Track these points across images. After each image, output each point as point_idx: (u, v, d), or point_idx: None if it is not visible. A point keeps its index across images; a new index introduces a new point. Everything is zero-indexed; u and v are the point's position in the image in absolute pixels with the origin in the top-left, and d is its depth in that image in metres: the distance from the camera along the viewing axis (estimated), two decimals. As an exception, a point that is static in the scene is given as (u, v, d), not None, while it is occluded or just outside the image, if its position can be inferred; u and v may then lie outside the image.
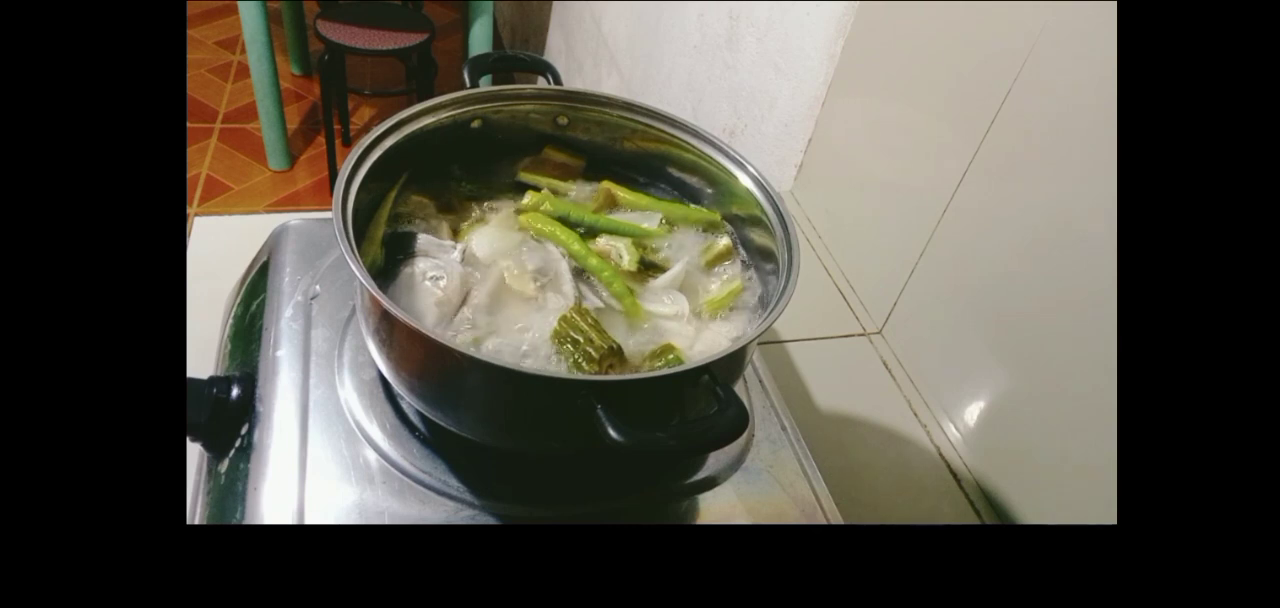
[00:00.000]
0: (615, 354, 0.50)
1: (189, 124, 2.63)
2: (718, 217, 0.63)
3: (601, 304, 0.56)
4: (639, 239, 0.60)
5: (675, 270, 0.58)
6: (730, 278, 0.60)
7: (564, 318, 0.52)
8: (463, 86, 0.61)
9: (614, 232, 0.61)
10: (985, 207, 0.70)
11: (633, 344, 0.53)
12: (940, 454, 0.72)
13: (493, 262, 0.56)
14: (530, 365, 0.50)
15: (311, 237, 0.66)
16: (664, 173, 0.66)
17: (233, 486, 0.50)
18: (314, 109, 2.81)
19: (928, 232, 0.76)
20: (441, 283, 0.53)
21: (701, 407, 0.44)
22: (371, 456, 0.51)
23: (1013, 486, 0.66)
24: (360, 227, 0.51)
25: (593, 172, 0.66)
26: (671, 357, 0.52)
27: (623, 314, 0.55)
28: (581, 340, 0.50)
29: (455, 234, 0.59)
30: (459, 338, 0.51)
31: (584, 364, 0.49)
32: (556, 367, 0.51)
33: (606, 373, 0.49)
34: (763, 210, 0.58)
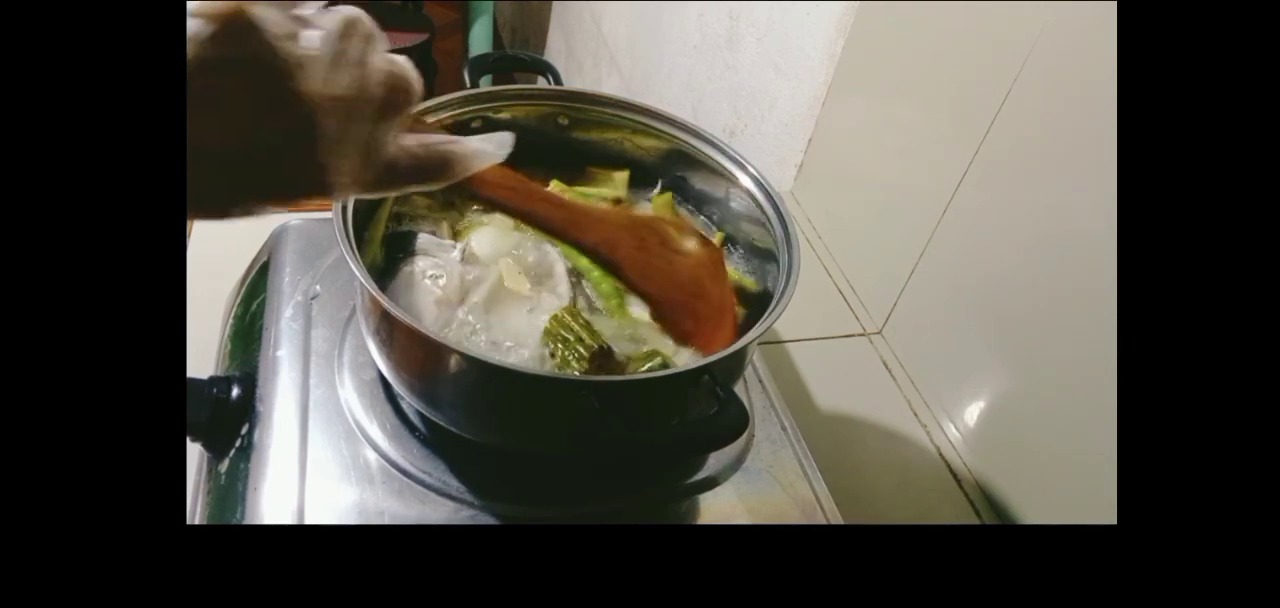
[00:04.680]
0: (605, 355, 0.50)
1: (189, 124, 2.62)
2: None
3: (597, 306, 0.56)
4: None
5: None
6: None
7: (555, 317, 0.52)
8: (463, 87, 0.61)
9: None
10: (985, 207, 0.70)
11: (619, 347, 0.53)
12: (940, 454, 0.72)
13: (493, 261, 0.56)
14: (529, 366, 0.50)
15: (311, 237, 0.66)
16: (664, 173, 0.66)
17: (233, 486, 0.50)
18: (314, 109, 2.81)
19: (928, 232, 0.76)
20: (441, 282, 0.53)
21: (701, 407, 0.44)
22: (371, 455, 0.51)
23: (1013, 486, 0.66)
24: (360, 227, 0.51)
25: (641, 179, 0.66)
26: (658, 361, 0.52)
27: (605, 315, 0.56)
28: (572, 339, 0.50)
29: (455, 233, 0.59)
30: (457, 337, 0.51)
31: (573, 363, 0.49)
32: (549, 366, 0.51)
33: (596, 372, 0.49)
34: (763, 210, 0.58)
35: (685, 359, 0.53)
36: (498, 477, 0.52)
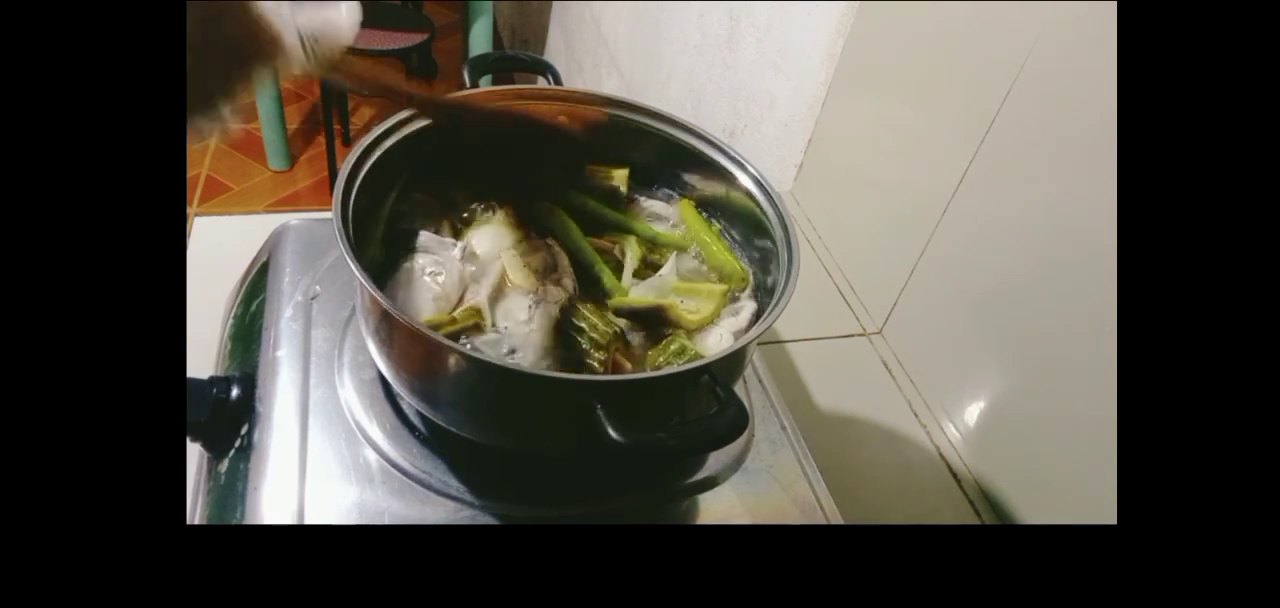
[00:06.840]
0: (620, 338, 0.51)
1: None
2: (743, 273, 0.61)
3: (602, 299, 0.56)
4: (645, 239, 0.61)
5: (664, 271, 0.58)
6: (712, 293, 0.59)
7: (565, 308, 0.51)
8: (463, 87, 0.61)
9: (626, 229, 0.61)
10: (985, 207, 0.70)
11: (632, 335, 0.54)
12: (940, 454, 0.72)
13: (493, 257, 0.56)
14: (530, 365, 0.50)
15: (311, 237, 0.66)
16: (664, 173, 0.66)
17: (233, 486, 0.50)
18: (314, 109, 2.81)
19: (928, 232, 0.76)
20: (439, 279, 0.53)
21: (701, 407, 0.44)
22: (371, 456, 0.51)
23: (1013, 486, 0.66)
24: (360, 227, 0.51)
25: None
26: (675, 347, 0.52)
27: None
28: (586, 328, 0.50)
29: (456, 233, 0.59)
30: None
31: (594, 352, 0.49)
32: (555, 362, 0.51)
33: (614, 356, 0.50)
34: (763, 210, 0.58)
35: (709, 344, 0.53)
36: (498, 477, 0.52)
